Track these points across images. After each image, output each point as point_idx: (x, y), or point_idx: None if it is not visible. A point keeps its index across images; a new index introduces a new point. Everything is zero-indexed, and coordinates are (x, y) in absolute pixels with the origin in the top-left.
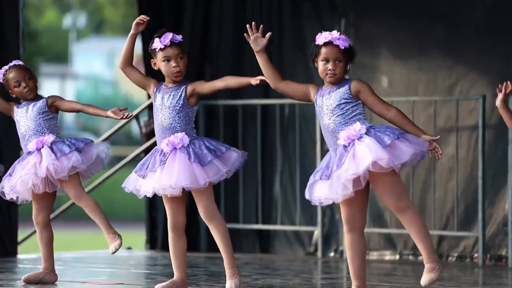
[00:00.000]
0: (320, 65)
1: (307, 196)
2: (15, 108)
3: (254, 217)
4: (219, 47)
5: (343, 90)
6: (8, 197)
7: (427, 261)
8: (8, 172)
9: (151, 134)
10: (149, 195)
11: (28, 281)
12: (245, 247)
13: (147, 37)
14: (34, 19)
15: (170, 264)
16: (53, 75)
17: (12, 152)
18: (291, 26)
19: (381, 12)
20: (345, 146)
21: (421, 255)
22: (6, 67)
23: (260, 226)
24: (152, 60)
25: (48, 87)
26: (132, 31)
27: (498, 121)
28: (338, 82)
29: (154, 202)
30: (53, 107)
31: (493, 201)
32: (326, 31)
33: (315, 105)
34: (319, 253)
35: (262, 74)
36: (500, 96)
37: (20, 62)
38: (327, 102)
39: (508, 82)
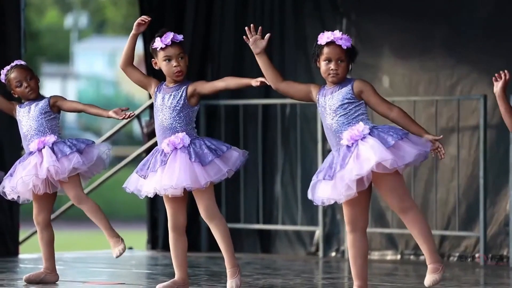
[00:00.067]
0: (323, 65)
1: (309, 196)
2: (17, 107)
3: (255, 217)
4: (220, 47)
5: (345, 90)
6: (9, 197)
7: (430, 261)
8: (9, 172)
9: (152, 134)
10: (150, 195)
11: (29, 281)
12: (246, 247)
13: (149, 37)
14: (36, 19)
15: (171, 264)
16: (55, 75)
17: (13, 152)
18: (293, 26)
19: (382, 12)
20: (348, 147)
21: (422, 255)
22: (8, 67)
23: (261, 226)
24: (153, 59)
25: (49, 87)
26: (133, 31)
27: (500, 121)
28: (340, 82)
29: (155, 202)
30: (55, 107)
31: (494, 201)
32: (328, 31)
33: (317, 105)
34: (320, 253)
35: (263, 74)
36: (500, 83)
37: (22, 62)
38: (329, 102)
39: (506, 71)
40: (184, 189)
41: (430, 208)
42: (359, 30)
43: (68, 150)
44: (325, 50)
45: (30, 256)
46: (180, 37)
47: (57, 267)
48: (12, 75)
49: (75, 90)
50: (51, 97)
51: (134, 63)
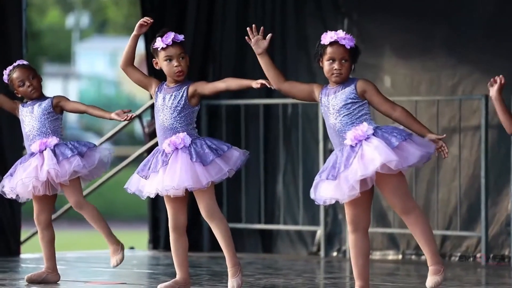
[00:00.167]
0: (326, 64)
1: (312, 196)
2: (20, 106)
3: (257, 217)
4: (222, 47)
5: (349, 90)
6: (8, 196)
7: (431, 263)
8: (9, 172)
9: (153, 134)
10: (152, 195)
11: (31, 281)
12: (248, 246)
13: (150, 36)
14: (37, 19)
15: (172, 264)
16: (56, 75)
17: (15, 151)
18: (294, 26)
19: (384, 12)
20: (352, 147)
21: (424, 254)
22: (10, 67)
23: (262, 226)
24: (154, 59)
25: (51, 87)
26: (134, 32)
27: None
28: (343, 81)
29: (156, 202)
30: (58, 107)
31: (496, 201)
32: (329, 31)
33: (320, 104)
34: (321, 253)
35: (264, 74)
36: (495, 86)
37: (24, 62)
38: (333, 101)
39: (501, 76)
40: (186, 189)
41: (432, 208)
42: (361, 30)
43: (70, 153)
44: (329, 49)
45: (32, 256)
46: (181, 37)
47: (59, 267)
48: (15, 74)
49: (76, 90)
50: (54, 97)
51: (136, 63)
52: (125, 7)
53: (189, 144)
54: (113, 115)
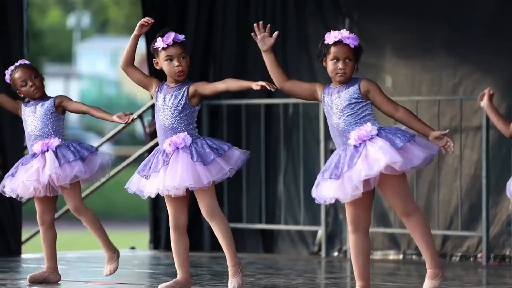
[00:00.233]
0: (330, 64)
1: (313, 195)
2: (23, 106)
3: (258, 216)
4: (222, 47)
5: (352, 90)
6: (7, 195)
7: (430, 266)
8: (10, 172)
9: (154, 134)
10: (153, 195)
11: (33, 280)
12: (249, 246)
13: (151, 36)
14: (38, 19)
15: (173, 264)
16: (57, 75)
17: (16, 152)
18: (295, 26)
19: (384, 12)
20: (355, 146)
21: None
22: (12, 67)
23: (263, 226)
24: (154, 59)
25: (52, 87)
26: (135, 32)
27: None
28: (347, 81)
29: (157, 202)
30: (60, 107)
31: (497, 201)
32: (330, 31)
33: (322, 104)
34: (322, 253)
35: (265, 74)
36: (485, 98)
37: (26, 61)
38: (336, 101)
39: (489, 88)
40: (187, 188)
41: (433, 208)
42: (362, 30)
43: (72, 157)
44: (333, 49)
45: (33, 256)
46: (181, 37)
47: (60, 267)
48: (17, 74)
49: (77, 90)
50: (57, 96)
51: (136, 63)
52: (126, 7)
53: (190, 144)
54: (114, 118)
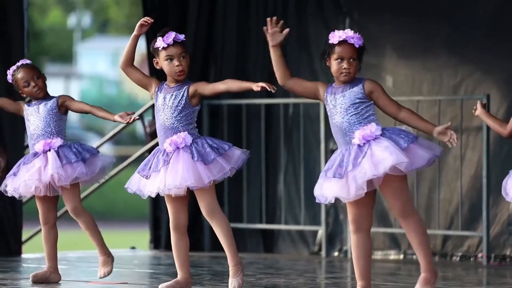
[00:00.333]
0: (334, 64)
1: (316, 193)
2: (25, 106)
3: (258, 216)
4: (223, 47)
5: (357, 90)
6: (10, 195)
7: (424, 270)
8: (12, 171)
9: (155, 133)
10: (153, 195)
11: (36, 279)
12: (249, 246)
13: (151, 36)
14: (39, 18)
15: (173, 264)
16: (58, 74)
17: (17, 151)
18: (295, 26)
19: (385, 12)
20: (360, 146)
21: None
22: (14, 67)
23: (264, 226)
24: (154, 59)
25: (52, 87)
26: (135, 32)
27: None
28: (351, 81)
29: (158, 202)
30: (63, 107)
31: (497, 201)
32: (330, 30)
33: (325, 103)
34: (323, 253)
35: (265, 75)
36: (478, 106)
37: (28, 61)
38: (340, 100)
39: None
40: (187, 188)
41: (434, 208)
42: (362, 30)
43: (73, 158)
44: (337, 49)
45: (33, 256)
46: (181, 36)
47: (60, 266)
48: (19, 75)
49: (78, 90)
50: (59, 96)
51: (137, 62)
52: (126, 7)
53: (190, 143)
54: (116, 117)
